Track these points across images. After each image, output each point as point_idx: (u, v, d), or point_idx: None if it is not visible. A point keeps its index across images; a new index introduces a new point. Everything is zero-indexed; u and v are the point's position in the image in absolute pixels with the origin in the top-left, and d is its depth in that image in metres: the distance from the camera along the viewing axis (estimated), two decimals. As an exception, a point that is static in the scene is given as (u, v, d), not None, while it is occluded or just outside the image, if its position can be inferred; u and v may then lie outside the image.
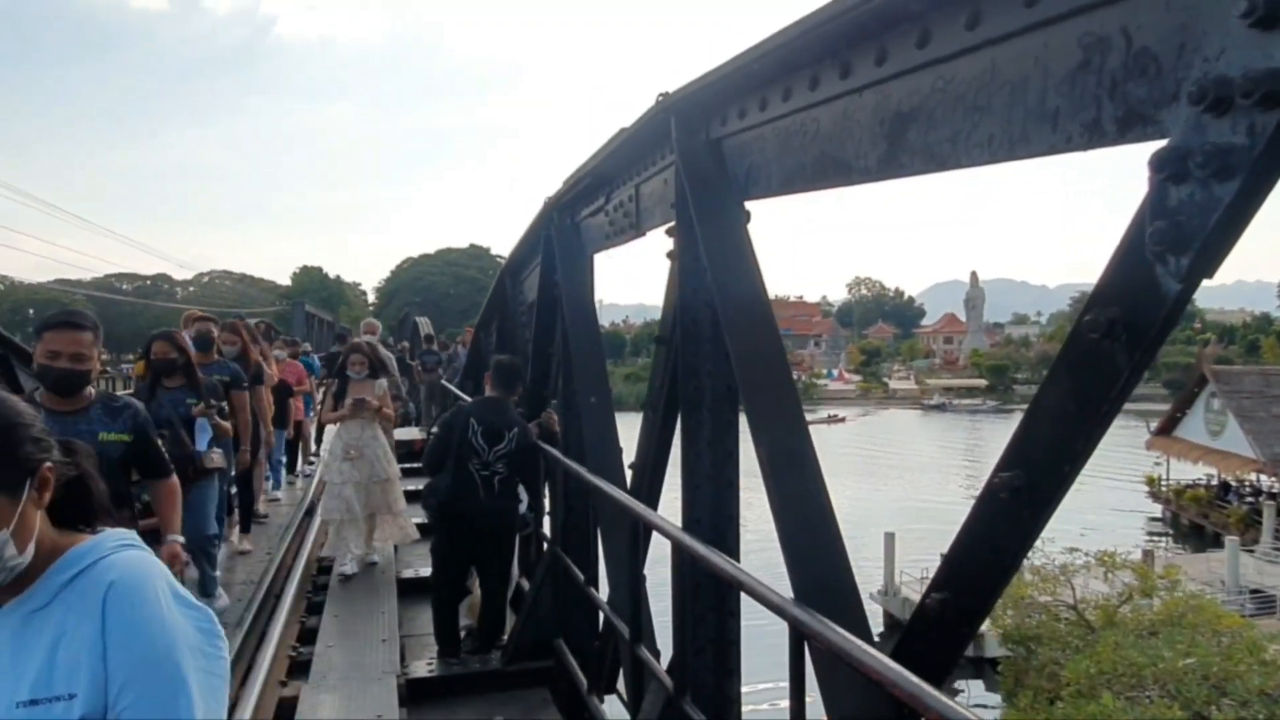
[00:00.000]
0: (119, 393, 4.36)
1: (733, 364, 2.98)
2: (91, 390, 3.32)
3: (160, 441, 4.48)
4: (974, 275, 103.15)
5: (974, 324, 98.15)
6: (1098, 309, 1.62)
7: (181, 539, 3.50)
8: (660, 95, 3.50)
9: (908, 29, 2.14)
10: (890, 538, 22.30)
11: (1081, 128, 1.69)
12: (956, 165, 2.05)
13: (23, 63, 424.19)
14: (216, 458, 5.28)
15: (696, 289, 3.38)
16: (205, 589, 5.21)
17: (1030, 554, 13.93)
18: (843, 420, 61.07)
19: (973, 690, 17.33)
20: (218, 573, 5.43)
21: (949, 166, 2.08)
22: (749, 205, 3.23)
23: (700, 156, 3.29)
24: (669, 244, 3.89)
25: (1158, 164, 1.48)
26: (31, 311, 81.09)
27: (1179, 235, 1.47)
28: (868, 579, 22.03)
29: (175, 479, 3.62)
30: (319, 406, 10.36)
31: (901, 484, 36.98)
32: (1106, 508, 32.32)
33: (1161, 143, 1.50)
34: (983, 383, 78.93)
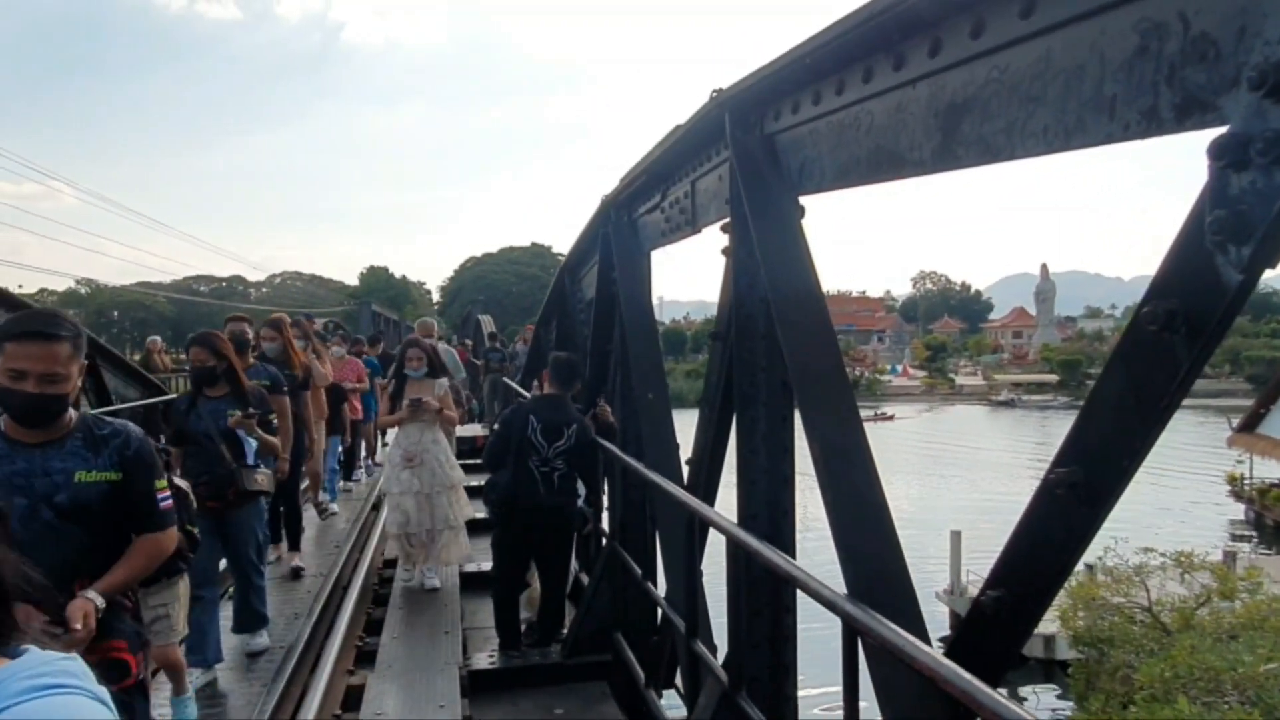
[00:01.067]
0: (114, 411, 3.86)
1: (786, 359, 2.97)
2: (72, 415, 2.50)
3: (196, 457, 4.35)
4: (1044, 268, 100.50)
5: (1044, 318, 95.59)
6: (1156, 300, 1.58)
7: (100, 601, 2.41)
8: (714, 91, 3.50)
9: (962, 19, 2.12)
10: (956, 536, 21.84)
11: (1139, 116, 1.66)
12: (1011, 156, 2.02)
13: (104, 73, 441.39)
14: (261, 479, 4.62)
15: (751, 285, 3.38)
16: (246, 625, 4.70)
17: (1103, 554, 13.55)
18: (891, 418, 58.70)
19: (1043, 699, 16.94)
20: (266, 608, 4.83)
21: (1004, 158, 2.05)
22: (803, 200, 3.22)
23: (754, 152, 3.29)
24: (725, 240, 3.89)
25: (1217, 151, 1.45)
26: (115, 313, 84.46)
27: (1240, 224, 1.43)
28: (933, 578, 21.68)
29: (172, 533, 2.65)
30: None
31: (968, 481, 36.24)
32: (1185, 507, 31.23)
33: (1221, 130, 1.46)
34: (1054, 378, 76.85)
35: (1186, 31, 1.55)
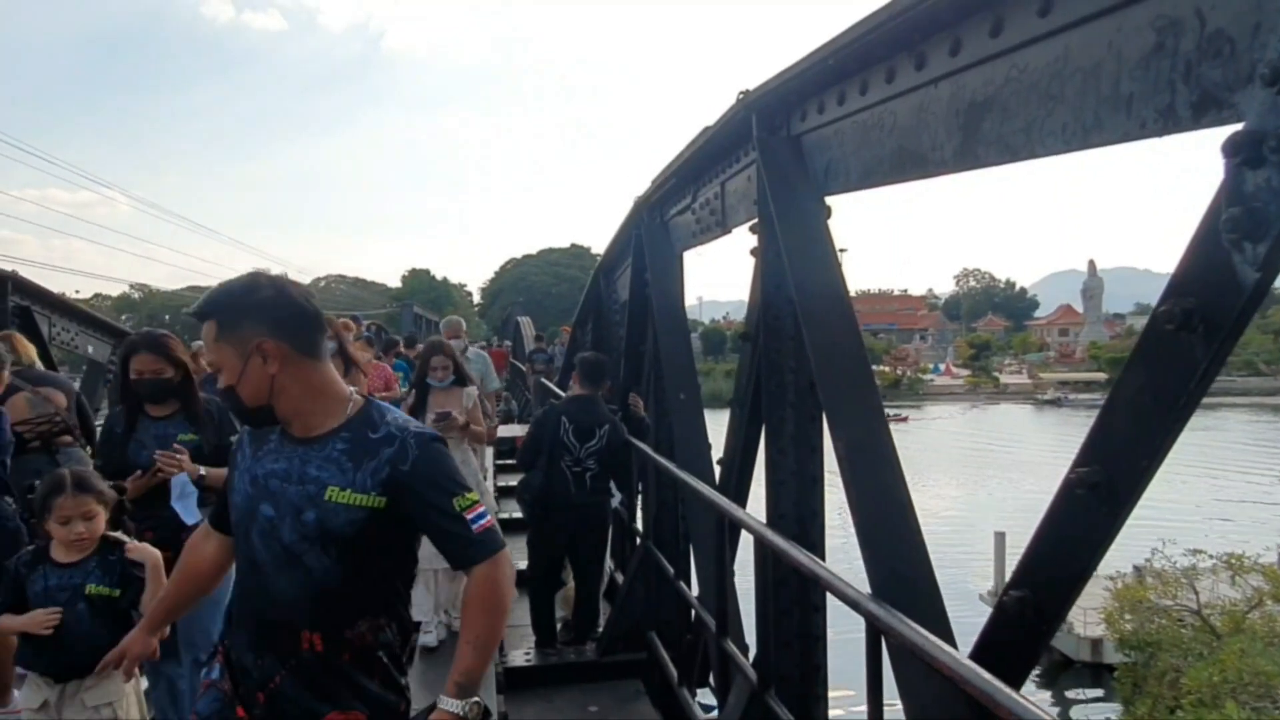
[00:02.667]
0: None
1: (810, 359, 2.98)
2: (355, 399, 1.97)
3: (139, 496, 3.27)
4: (1091, 264, 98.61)
5: (1092, 315, 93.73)
6: (1173, 299, 1.58)
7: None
8: (741, 93, 3.52)
9: (981, 18, 2.12)
10: (1000, 538, 21.55)
11: (1156, 113, 1.65)
12: (1030, 155, 2.02)
13: (157, 86, 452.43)
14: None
15: (778, 285, 3.39)
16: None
17: (1150, 555, 13.29)
18: (905, 419, 56.07)
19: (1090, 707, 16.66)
20: None
21: (1023, 156, 2.05)
22: (832, 200, 3.23)
23: (780, 153, 3.30)
24: (755, 241, 3.90)
25: (1232, 148, 1.44)
26: (167, 317, 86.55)
27: (1256, 222, 1.42)
28: (976, 579, 21.39)
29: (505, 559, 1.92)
30: None
31: (1013, 482, 35.71)
32: (1237, 507, 30.44)
33: (1237, 126, 1.46)
34: (1102, 376, 75.27)
35: (1203, 28, 1.54)
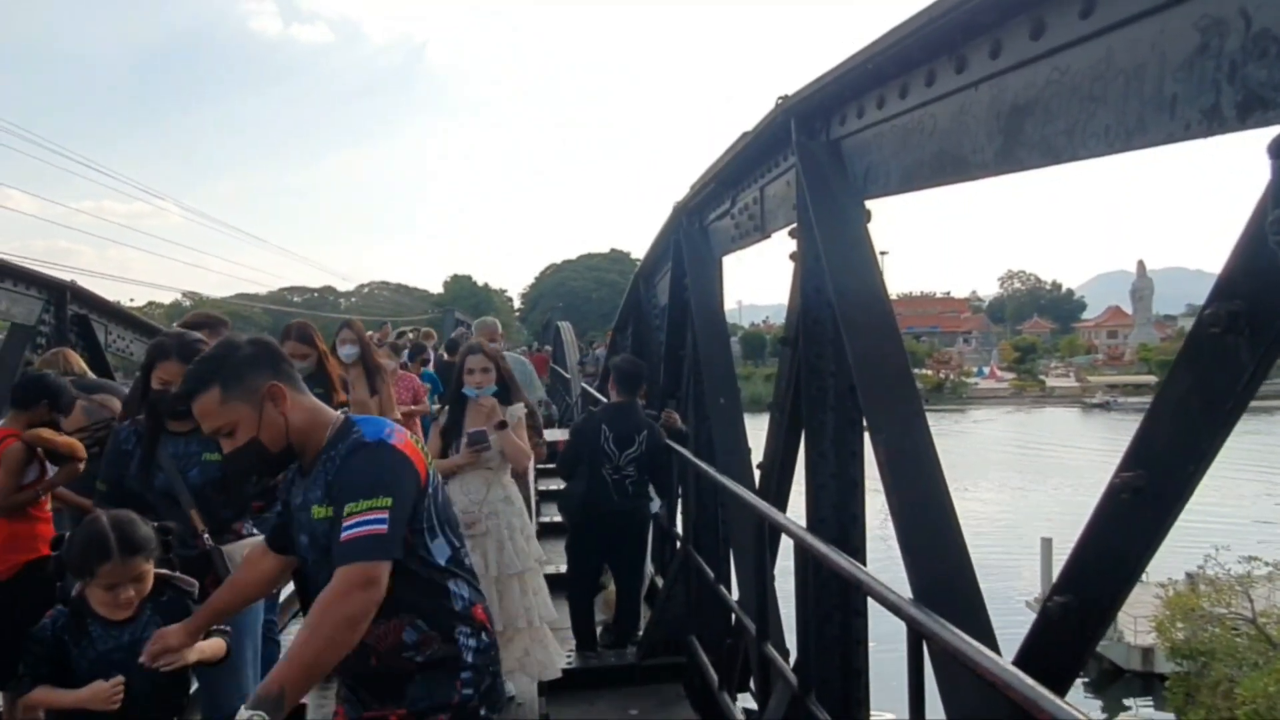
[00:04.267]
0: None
1: (850, 363, 2.98)
2: (335, 418, 2.07)
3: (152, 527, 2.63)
4: (1141, 264, 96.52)
5: (1141, 316, 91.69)
6: (1219, 302, 1.56)
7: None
8: (780, 98, 3.53)
9: (1022, 20, 2.11)
10: (1047, 544, 21.20)
11: (1200, 114, 1.63)
12: (1073, 157, 2.01)
13: (208, 97, 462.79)
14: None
15: (818, 290, 3.39)
16: None
17: (1203, 562, 12.98)
18: None
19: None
20: None
21: (1065, 159, 2.03)
22: (872, 204, 3.22)
23: (819, 157, 3.30)
24: (795, 245, 3.90)
25: (1278, 149, 1.42)
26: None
27: (1303, 224, 1.41)
28: (1020, 587, 21.05)
29: (363, 570, 1.86)
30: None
31: (1059, 487, 35.09)
32: (1296, 514, 29.56)
33: (1283, 127, 1.44)
34: (1152, 379, 73.57)
35: (1248, 28, 1.53)
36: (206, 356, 2.03)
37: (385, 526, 1.82)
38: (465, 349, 4.52)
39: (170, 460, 2.99)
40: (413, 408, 6.60)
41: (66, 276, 6.86)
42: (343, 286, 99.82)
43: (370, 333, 11.75)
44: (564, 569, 6.07)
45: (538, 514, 7.10)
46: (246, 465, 2.01)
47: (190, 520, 2.91)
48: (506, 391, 4.33)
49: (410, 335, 11.55)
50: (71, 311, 6.62)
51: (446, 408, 4.42)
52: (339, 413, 2.08)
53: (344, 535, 1.81)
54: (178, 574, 2.61)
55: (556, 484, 6.56)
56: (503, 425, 4.15)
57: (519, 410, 4.34)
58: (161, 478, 2.98)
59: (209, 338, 3.42)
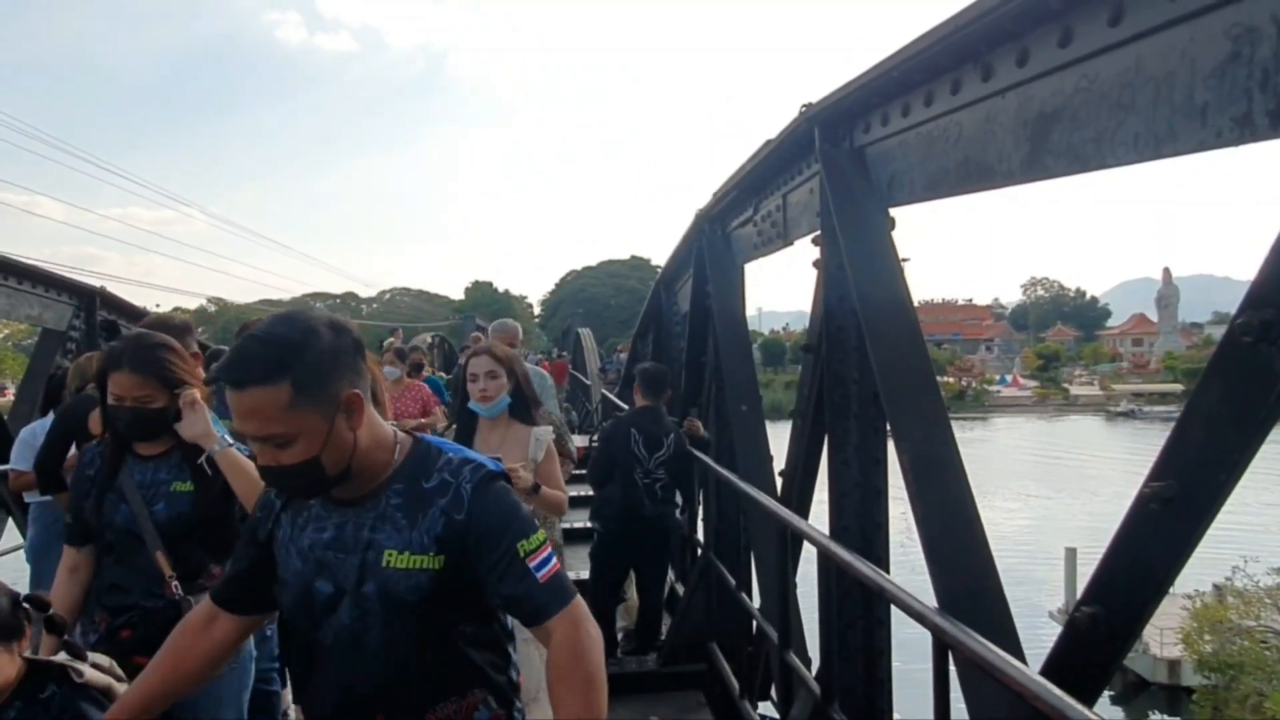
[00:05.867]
0: None
1: (874, 371, 2.97)
2: (401, 441, 1.68)
3: (114, 572, 2.46)
4: (1166, 272, 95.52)
5: (1167, 324, 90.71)
6: (1251, 311, 1.55)
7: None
8: (804, 106, 3.53)
9: (1049, 28, 2.11)
10: (1071, 554, 21.00)
11: (1231, 122, 1.62)
12: (1101, 165, 2.00)
13: (233, 106, 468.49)
14: None
15: (841, 297, 3.39)
16: None
17: (1231, 574, 12.80)
18: None
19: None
20: None
21: (1094, 167, 2.03)
22: (895, 212, 3.22)
23: (843, 165, 3.30)
24: (818, 252, 3.90)
25: (1312, 158, 1.42)
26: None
27: (1337, 232, 1.40)
28: (1045, 597, 20.85)
29: (579, 611, 1.60)
30: None
31: (1083, 495, 34.75)
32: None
33: (1317, 135, 1.43)
34: (1178, 387, 72.76)
35: (1280, 35, 1.52)
36: (276, 339, 1.48)
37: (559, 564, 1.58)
38: (469, 350, 3.66)
39: (135, 490, 2.46)
40: (422, 420, 6.15)
41: (95, 283, 6.95)
42: (364, 293, 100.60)
43: (388, 340, 11.76)
44: (585, 574, 6.08)
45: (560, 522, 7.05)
46: (293, 487, 1.58)
47: (156, 563, 2.41)
48: (525, 406, 3.42)
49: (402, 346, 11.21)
50: (101, 317, 6.71)
51: (454, 426, 3.56)
52: (396, 429, 1.67)
53: (541, 575, 1.53)
54: (76, 659, 1.79)
55: (583, 490, 6.56)
56: (536, 489, 3.19)
57: (546, 434, 3.43)
58: (124, 511, 2.45)
59: None
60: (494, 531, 1.54)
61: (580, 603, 1.57)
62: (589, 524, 5.79)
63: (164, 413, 2.46)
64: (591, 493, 5.73)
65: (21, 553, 4.93)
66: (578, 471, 8.05)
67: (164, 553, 2.41)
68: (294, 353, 1.47)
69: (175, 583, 2.40)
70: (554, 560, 1.57)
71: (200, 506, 2.48)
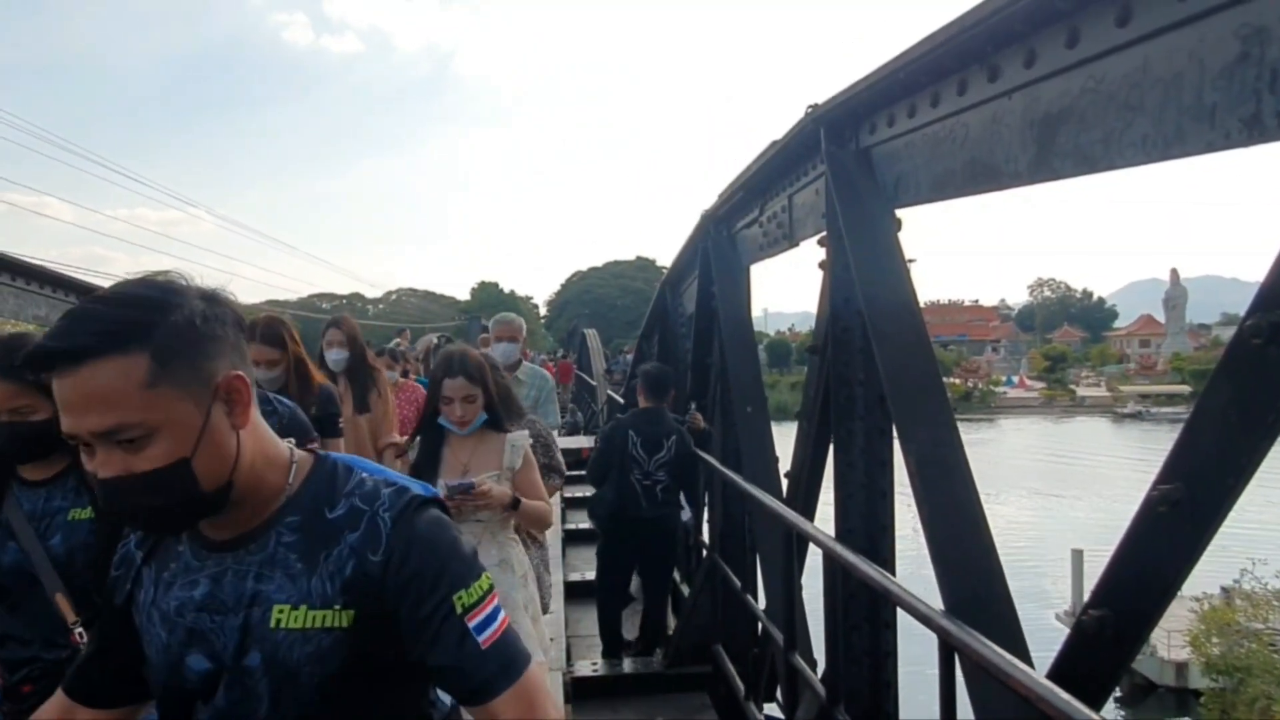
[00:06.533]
0: None
1: (880, 372, 2.96)
2: (294, 463, 1.27)
3: (8, 621, 2.06)
4: (1174, 273, 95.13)
5: (1174, 325, 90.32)
6: (1260, 313, 1.54)
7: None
8: (809, 107, 3.53)
9: (1056, 29, 2.10)
10: (1078, 555, 20.94)
11: (1240, 123, 1.61)
12: (1109, 166, 1.99)
13: (240, 107, 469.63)
14: None
15: (847, 298, 3.38)
16: None
17: (1239, 576, 12.74)
18: None
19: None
20: None
21: (1101, 168, 2.02)
22: (902, 213, 3.21)
23: (849, 166, 3.29)
24: (824, 253, 3.90)
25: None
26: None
27: (1348, 234, 1.39)
28: (1051, 599, 20.79)
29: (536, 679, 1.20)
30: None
31: (1090, 498, 34.64)
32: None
33: (1327, 136, 1.42)
34: (1186, 389, 72.43)
35: (1290, 36, 1.51)
36: (128, 298, 1.09)
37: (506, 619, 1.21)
38: (441, 361, 3.22)
39: (25, 523, 2.03)
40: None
41: (103, 283, 6.97)
42: (371, 293, 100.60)
43: (395, 340, 11.73)
44: (591, 575, 6.10)
45: (564, 520, 7.07)
46: (152, 511, 1.10)
47: (57, 607, 1.99)
48: (496, 414, 3.16)
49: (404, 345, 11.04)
50: (108, 317, 6.73)
51: (418, 436, 3.26)
52: (291, 446, 1.25)
53: (484, 639, 1.15)
54: None
55: (584, 490, 6.58)
56: (516, 504, 3.03)
57: (522, 439, 3.16)
58: (12, 549, 2.03)
59: None
60: (422, 577, 1.14)
61: (534, 675, 1.18)
62: (592, 525, 5.81)
63: (49, 425, 1.89)
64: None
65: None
66: (577, 473, 8.04)
67: (65, 595, 1.99)
68: (156, 311, 1.08)
69: (80, 630, 1.97)
70: (501, 616, 1.18)
71: (104, 535, 1.98)
